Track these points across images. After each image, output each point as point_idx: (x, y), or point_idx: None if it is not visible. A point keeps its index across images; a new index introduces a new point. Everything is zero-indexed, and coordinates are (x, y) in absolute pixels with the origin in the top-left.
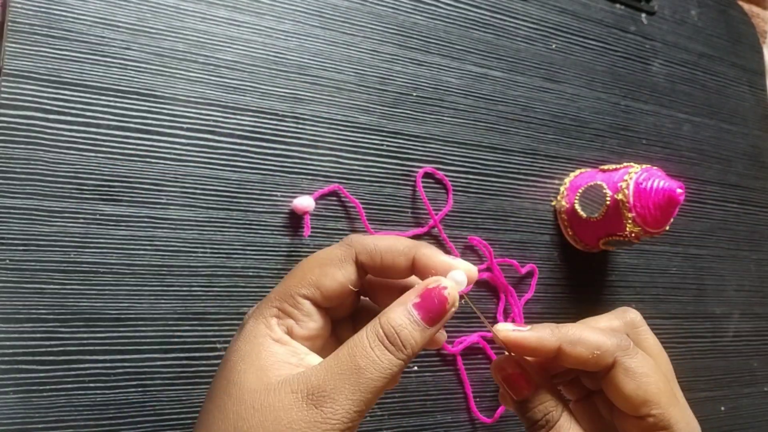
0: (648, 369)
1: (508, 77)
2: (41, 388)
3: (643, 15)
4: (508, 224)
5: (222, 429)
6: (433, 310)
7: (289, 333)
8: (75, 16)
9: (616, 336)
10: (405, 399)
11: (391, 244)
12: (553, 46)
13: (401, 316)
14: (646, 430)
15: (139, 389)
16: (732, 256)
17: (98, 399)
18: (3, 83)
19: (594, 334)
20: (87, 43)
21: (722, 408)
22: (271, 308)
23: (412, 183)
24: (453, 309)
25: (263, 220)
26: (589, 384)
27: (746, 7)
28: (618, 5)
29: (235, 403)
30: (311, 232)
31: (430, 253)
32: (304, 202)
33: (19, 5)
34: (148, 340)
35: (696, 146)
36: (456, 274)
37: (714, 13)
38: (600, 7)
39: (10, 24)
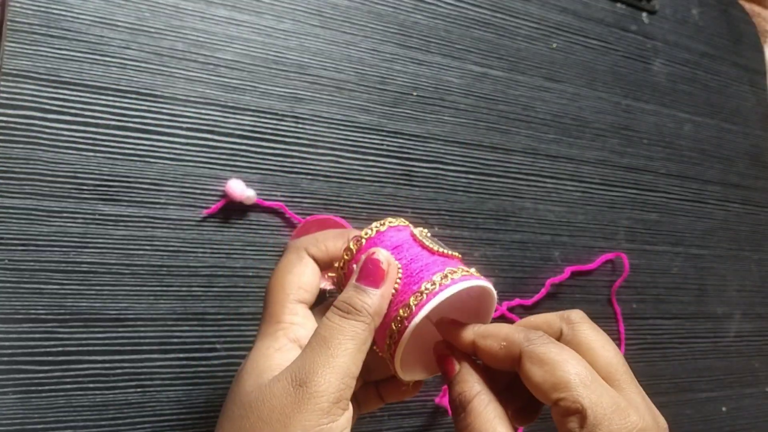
0: (558, 357)
1: (508, 77)
2: (40, 388)
3: (644, 14)
4: (508, 224)
5: (229, 430)
6: (371, 274)
7: (297, 340)
8: (74, 15)
9: (524, 331)
10: (405, 400)
11: (328, 235)
12: (554, 45)
13: (349, 290)
14: (562, 416)
15: (139, 390)
16: (733, 257)
17: (97, 399)
18: (2, 83)
19: (504, 328)
20: (86, 43)
21: (724, 408)
22: (272, 325)
23: (412, 183)
24: (392, 266)
25: (263, 219)
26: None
27: (747, 6)
28: (619, 4)
29: (238, 407)
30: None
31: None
32: (239, 188)
33: (18, 5)
34: (147, 341)
35: (697, 146)
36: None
37: (715, 13)
38: (601, 7)
39: (9, 23)
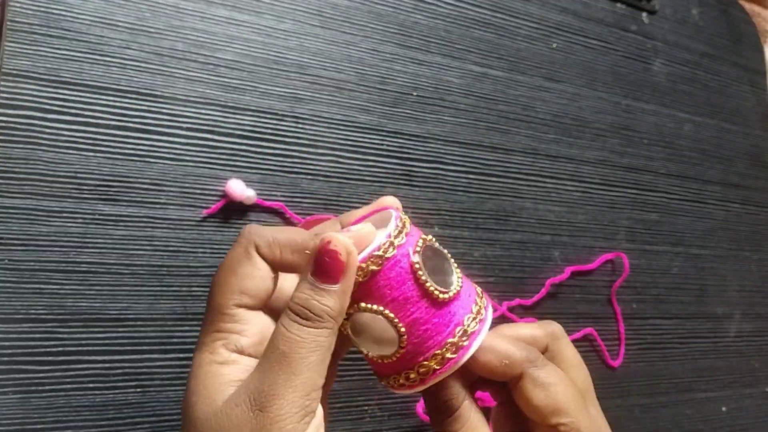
0: (557, 379)
1: (508, 76)
2: (40, 388)
3: (644, 14)
4: (508, 224)
5: None
6: (330, 267)
7: (240, 350)
8: (74, 15)
9: (525, 348)
10: (405, 399)
11: (289, 237)
12: (554, 45)
13: (304, 289)
14: None
15: (138, 390)
16: (733, 257)
17: (97, 399)
18: (2, 83)
19: (504, 343)
20: (86, 43)
21: (723, 408)
22: (209, 334)
23: (412, 183)
24: (352, 257)
25: (263, 219)
26: (495, 397)
27: (747, 6)
28: (619, 4)
29: None
30: None
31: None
32: (239, 188)
33: (18, 5)
34: (147, 341)
35: (697, 146)
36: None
37: (715, 13)
38: (601, 7)
39: (9, 23)
